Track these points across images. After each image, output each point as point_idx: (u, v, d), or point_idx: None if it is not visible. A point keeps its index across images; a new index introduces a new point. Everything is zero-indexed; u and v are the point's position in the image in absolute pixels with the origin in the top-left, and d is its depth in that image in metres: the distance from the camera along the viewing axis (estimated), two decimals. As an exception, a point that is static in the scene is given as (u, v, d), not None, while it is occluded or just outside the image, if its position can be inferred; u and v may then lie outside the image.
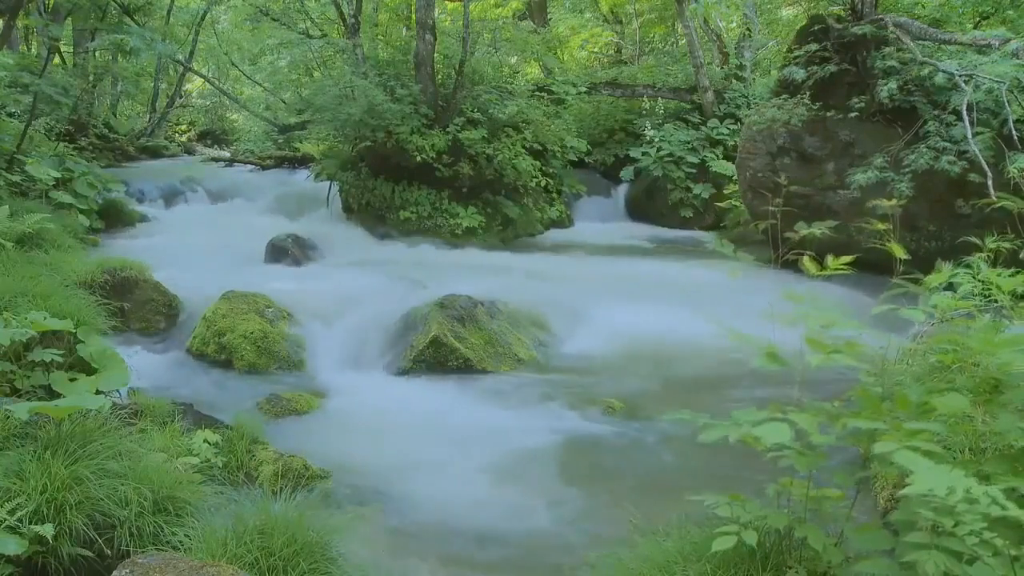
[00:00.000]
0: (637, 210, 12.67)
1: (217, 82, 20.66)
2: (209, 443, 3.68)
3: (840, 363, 2.02)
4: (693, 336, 5.79)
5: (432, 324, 5.71)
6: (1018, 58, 6.76)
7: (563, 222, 11.92)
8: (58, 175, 8.50)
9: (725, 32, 14.82)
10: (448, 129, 10.32)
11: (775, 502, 2.25)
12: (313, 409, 4.89)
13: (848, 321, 2.08)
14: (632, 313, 6.65)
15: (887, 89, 7.48)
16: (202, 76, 19.63)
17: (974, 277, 3.73)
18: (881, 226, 2.27)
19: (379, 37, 13.35)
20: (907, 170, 7.32)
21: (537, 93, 12.27)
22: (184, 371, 5.53)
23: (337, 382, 5.40)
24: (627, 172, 12.80)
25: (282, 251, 8.77)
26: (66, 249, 6.41)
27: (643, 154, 12.36)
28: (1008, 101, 6.67)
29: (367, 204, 10.54)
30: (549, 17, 17.35)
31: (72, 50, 15.69)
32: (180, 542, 2.60)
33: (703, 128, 12.53)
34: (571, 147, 12.12)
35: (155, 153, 16.86)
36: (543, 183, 11.44)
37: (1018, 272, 2.38)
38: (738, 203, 10.58)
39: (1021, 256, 4.00)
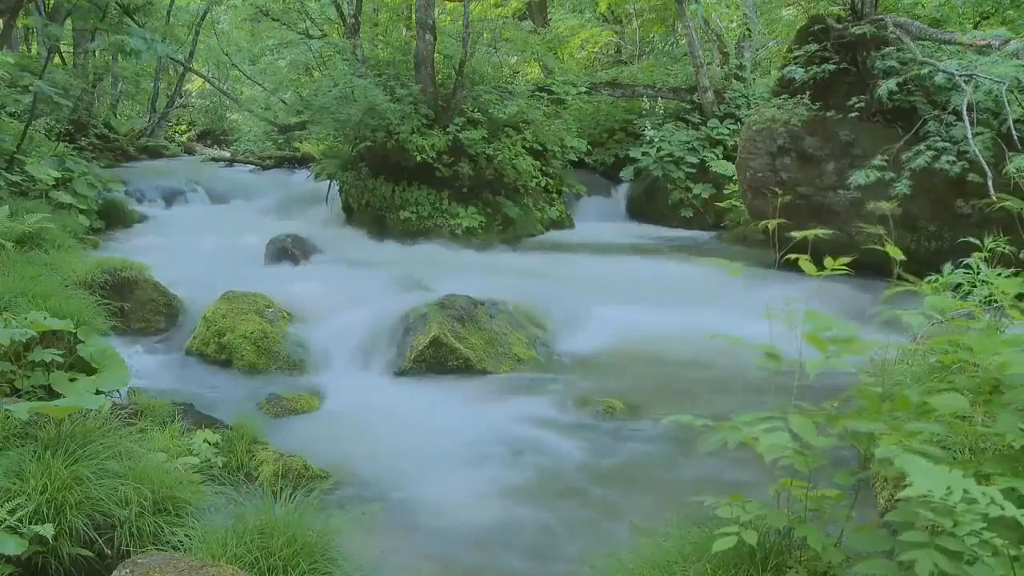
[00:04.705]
0: (637, 210, 12.67)
1: (217, 82, 20.65)
2: (209, 443, 3.68)
3: (838, 367, 2.02)
4: (693, 336, 5.79)
5: (432, 324, 5.71)
6: (1018, 58, 6.76)
7: (563, 222, 11.91)
8: (58, 175, 8.49)
9: (725, 32, 14.81)
10: (448, 129, 10.32)
11: (775, 502, 2.25)
12: (313, 409, 4.90)
13: (846, 323, 2.08)
14: (632, 313, 6.65)
15: (886, 87, 7.48)
16: (202, 76, 19.62)
17: (975, 277, 3.74)
18: (880, 229, 2.27)
19: (379, 37, 13.34)
20: (906, 169, 7.32)
21: (537, 93, 12.26)
22: (184, 371, 5.53)
23: (337, 382, 5.40)
24: (627, 172, 12.80)
25: (282, 251, 8.76)
26: (66, 249, 6.41)
27: (643, 154, 12.36)
28: (1008, 101, 6.68)
29: (367, 204, 10.54)
30: (549, 17, 17.35)
31: (72, 50, 15.69)
32: (180, 542, 2.60)
33: (703, 128, 12.53)
34: (571, 147, 12.11)
35: (155, 153, 16.84)
36: (543, 183, 11.43)
37: (1018, 272, 2.38)
38: (738, 203, 10.58)
39: (1021, 256, 4.01)
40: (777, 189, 8.05)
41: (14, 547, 2.38)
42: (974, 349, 1.96)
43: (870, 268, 4.36)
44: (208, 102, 23.25)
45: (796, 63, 8.44)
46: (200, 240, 9.52)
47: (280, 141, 15.89)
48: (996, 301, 3.17)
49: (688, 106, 13.08)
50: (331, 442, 4.34)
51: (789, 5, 14.35)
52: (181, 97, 20.90)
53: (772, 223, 2.37)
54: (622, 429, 4.62)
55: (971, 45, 7.46)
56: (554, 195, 11.97)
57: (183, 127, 23.13)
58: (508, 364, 5.73)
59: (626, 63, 16.59)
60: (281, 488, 2.77)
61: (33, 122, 8.79)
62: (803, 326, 2.08)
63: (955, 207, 7.48)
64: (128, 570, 2.32)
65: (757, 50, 14.57)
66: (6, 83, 8.62)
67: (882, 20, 8.06)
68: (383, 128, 9.98)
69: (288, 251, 8.75)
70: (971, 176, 6.93)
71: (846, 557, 2.08)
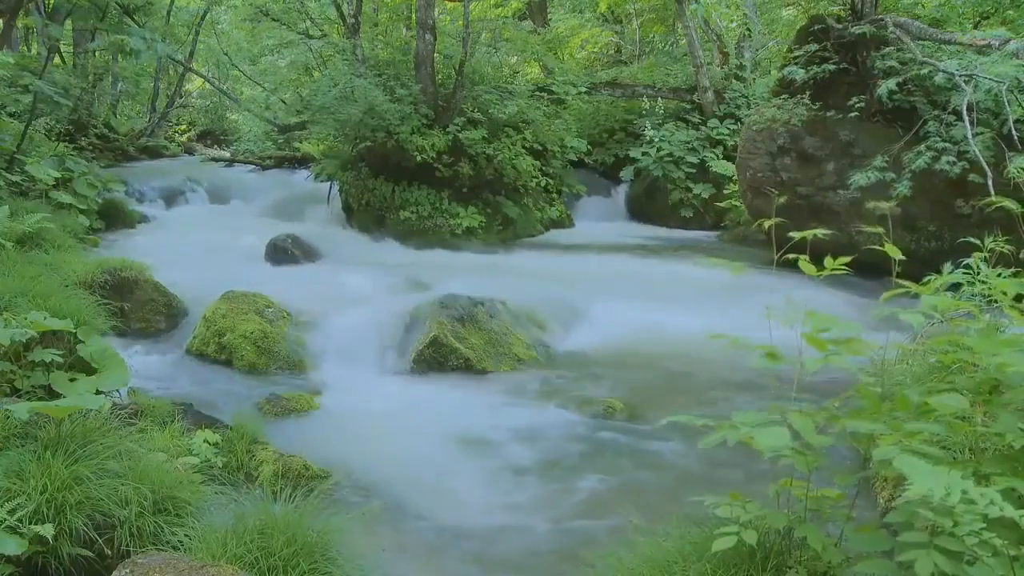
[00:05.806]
0: (637, 210, 12.67)
1: (217, 82, 20.65)
2: (209, 443, 3.68)
3: (837, 365, 2.02)
4: (693, 335, 5.79)
5: (432, 324, 5.71)
6: (1018, 58, 6.76)
7: (563, 222, 11.91)
8: (58, 175, 8.49)
9: (725, 32, 14.82)
10: (448, 129, 10.32)
11: (775, 502, 2.25)
12: (313, 409, 4.89)
13: (846, 323, 2.08)
14: (632, 313, 6.65)
15: (886, 87, 7.47)
16: (202, 76, 19.62)
17: (974, 277, 3.74)
18: (880, 229, 2.27)
19: (379, 37, 13.34)
20: (907, 170, 7.32)
21: (537, 93, 12.26)
22: (184, 371, 5.52)
23: (337, 382, 5.40)
24: (627, 172, 12.80)
25: (282, 251, 8.77)
26: (66, 249, 6.41)
27: (643, 154, 12.36)
28: (1008, 101, 6.68)
29: (367, 204, 10.55)
30: (549, 17, 17.35)
31: (72, 50, 15.68)
32: (180, 542, 2.60)
33: (703, 128, 12.53)
34: (571, 147, 12.11)
35: (155, 153, 16.82)
36: (543, 183, 11.44)
37: (1018, 272, 2.38)
38: (738, 203, 10.59)
39: (1021, 256, 4.01)
40: (777, 189, 8.05)
41: (14, 547, 2.38)
42: (974, 349, 1.96)
43: (870, 268, 4.37)
44: (208, 102, 23.24)
45: (796, 63, 8.44)
46: (200, 240, 9.51)
47: (280, 141, 15.89)
48: (991, 299, 3.17)
49: (688, 106, 13.08)
50: (331, 442, 4.34)
51: (789, 5, 14.35)
52: (181, 97, 20.89)
53: (771, 222, 2.36)
54: (622, 429, 4.62)
55: (971, 45, 7.46)
56: (554, 195, 11.97)
57: (183, 127, 23.12)
58: (508, 364, 5.73)
59: (626, 63, 16.59)
60: (281, 488, 2.77)
61: (33, 122, 8.78)
62: (803, 326, 2.08)
63: (955, 207, 7.48)
64: (128, 570, 2.32)
65: (757, 50, 14.57)
66: (6, 83, 8.61)
67: (882, 20, 8.06)
68: (383, 128, 9.98)
69: (288, 251, 8.76)
70: (971, 176, 6.94)
71: (846, 557, 2.08)
